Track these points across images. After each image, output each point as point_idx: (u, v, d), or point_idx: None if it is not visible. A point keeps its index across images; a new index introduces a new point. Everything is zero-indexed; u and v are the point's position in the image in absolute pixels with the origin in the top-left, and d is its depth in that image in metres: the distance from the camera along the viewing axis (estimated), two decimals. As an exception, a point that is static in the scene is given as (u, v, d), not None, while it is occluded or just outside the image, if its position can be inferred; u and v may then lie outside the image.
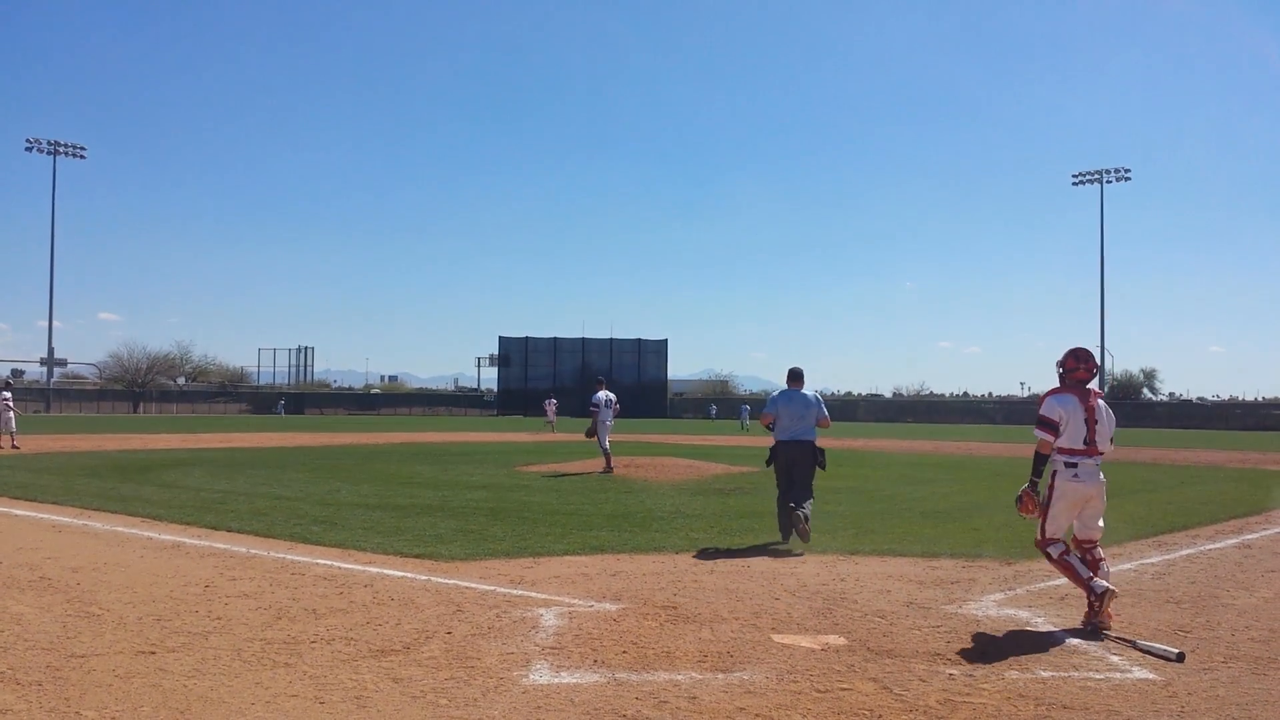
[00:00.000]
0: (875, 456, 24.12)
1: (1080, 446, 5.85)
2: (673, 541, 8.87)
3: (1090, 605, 5.62)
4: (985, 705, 4.20)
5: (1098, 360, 5.95)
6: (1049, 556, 5.91)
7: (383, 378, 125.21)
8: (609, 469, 16.61)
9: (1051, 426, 5.89)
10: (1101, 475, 5.93)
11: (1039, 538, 5.98)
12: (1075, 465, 5.84)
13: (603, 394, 17.00)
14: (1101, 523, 5.95)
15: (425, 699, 4.19)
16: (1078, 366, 6.04)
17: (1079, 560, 5.79)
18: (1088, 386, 6.05)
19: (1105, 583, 5.60)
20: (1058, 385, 6.13)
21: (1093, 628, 5.55)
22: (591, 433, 17.04)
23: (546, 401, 46.60)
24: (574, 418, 48.98)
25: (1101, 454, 5.90)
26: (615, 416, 17.48)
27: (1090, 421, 5.86)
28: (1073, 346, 6.08)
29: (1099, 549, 5.89)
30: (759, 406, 14.67)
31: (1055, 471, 5.93)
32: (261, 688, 4.32)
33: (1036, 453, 5.99)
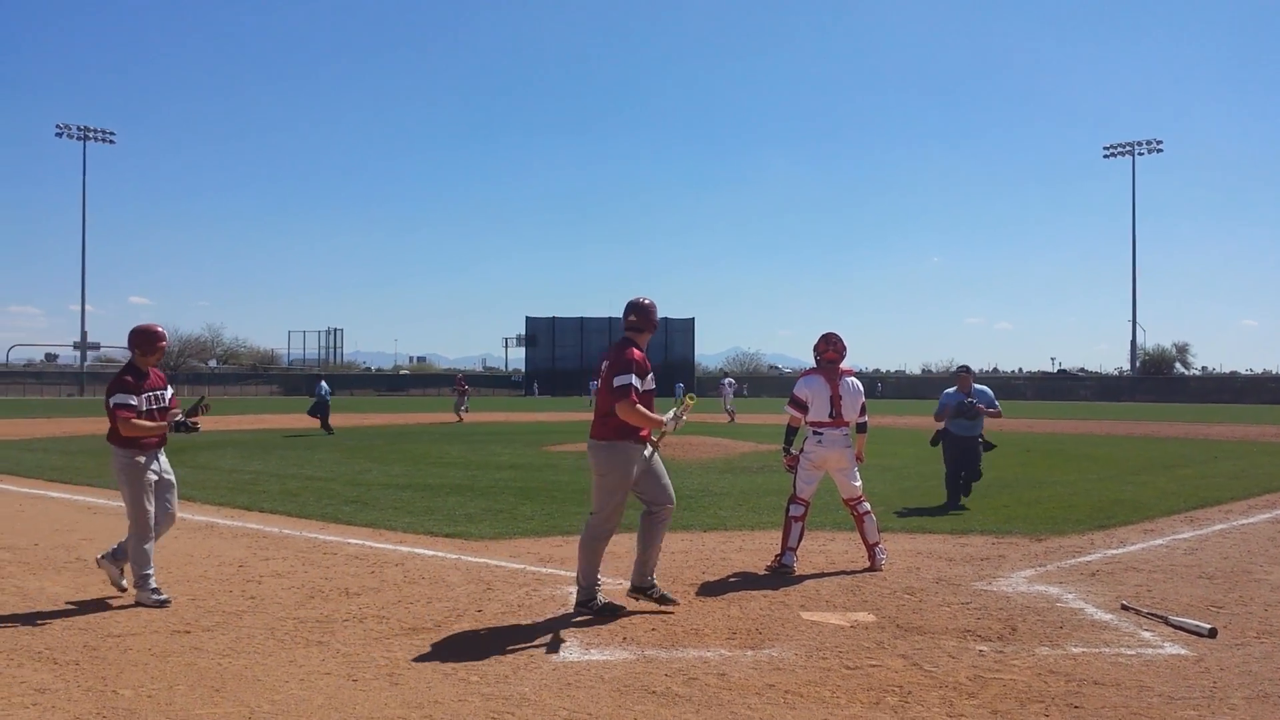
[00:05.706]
0: (904, 434, 23.98)
1: (826, 419, 6.70)
2: (700, 520, 8.89)
3: (775, 558, 6.63)
4: (1016, 681, 4.18)
5: (845, 343, 6.86)
6: (786, 511, 6.72)
7: (411, 358, 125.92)
8: None
9: (800, 405, 6.78)
10: (849, 443, 6.76)
11: (790, 494, 6.81)
12: (821, 434, 6.72)
13: None
14: (858, 484, 6.74)
15: (457, 676, 4.23)
16: (827, 349, 6.86)
17: (799, 529, 6.62)
18: (839, 366, 6.85)
19: (792, 566, 6.52)
20: (814, 366, 6.92)
21: (771, 570, 6.53)
22: None
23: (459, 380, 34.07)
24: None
25: (847, 424, 6.77)
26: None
27: (835, 398, 6.69)
28: (825, 332, 6.89)
29: (864, 504, 6.73)
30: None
31: (806, 439, 6.82)
32: (295, 665, 4.38)
33: (787, 425, 6.98)
